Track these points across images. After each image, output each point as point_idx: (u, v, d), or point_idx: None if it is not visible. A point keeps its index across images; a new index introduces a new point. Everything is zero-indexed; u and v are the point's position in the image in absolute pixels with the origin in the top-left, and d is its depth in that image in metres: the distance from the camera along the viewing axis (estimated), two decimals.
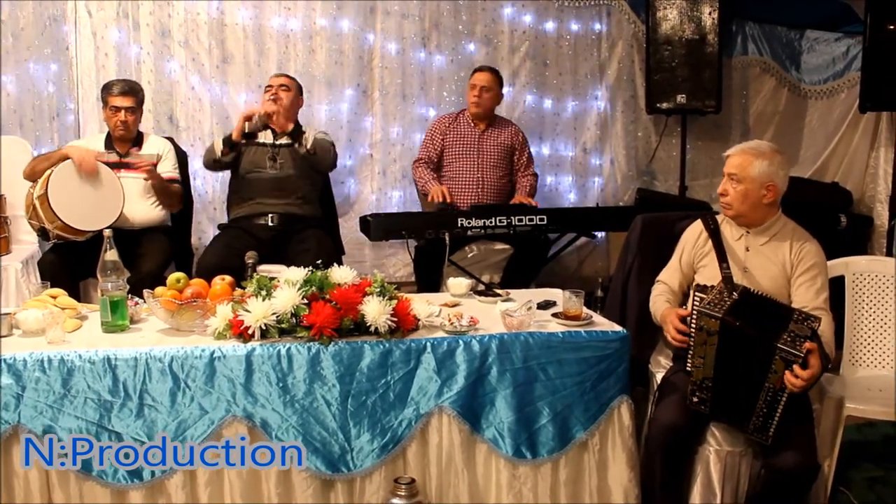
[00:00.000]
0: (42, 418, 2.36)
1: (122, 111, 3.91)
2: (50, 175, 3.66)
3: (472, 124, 4.72)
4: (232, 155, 4.10)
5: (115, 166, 3.87)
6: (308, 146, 4.05)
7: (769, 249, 2.84)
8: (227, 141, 4.07)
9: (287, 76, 4.31)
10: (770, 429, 2.51)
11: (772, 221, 2.86)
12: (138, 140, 4.04)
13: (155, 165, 3.99)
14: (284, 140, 4.13)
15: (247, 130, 4.10)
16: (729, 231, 2.92)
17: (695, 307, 2.59)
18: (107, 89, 3.97)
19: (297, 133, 4.08)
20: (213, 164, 4.20)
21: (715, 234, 2.90)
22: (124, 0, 4.68)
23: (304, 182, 4.18)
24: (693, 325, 2.59)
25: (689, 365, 2.62)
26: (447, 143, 4.70)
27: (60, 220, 3.62)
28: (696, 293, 2.67)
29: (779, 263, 2.82)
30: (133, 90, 3.97)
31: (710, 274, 2.84)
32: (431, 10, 5.10)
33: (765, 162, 2.77)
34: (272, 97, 4.09)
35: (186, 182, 4.35)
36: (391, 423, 2.51)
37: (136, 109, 3.98)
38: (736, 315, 2.52)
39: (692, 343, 2.60)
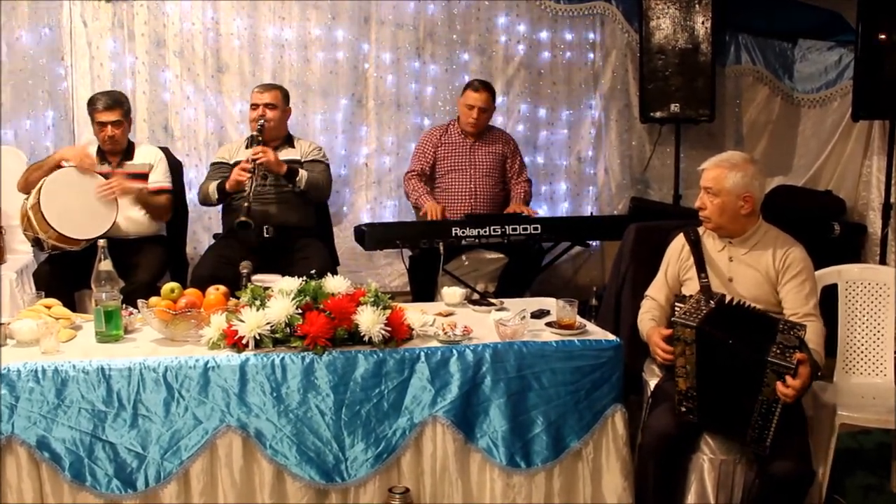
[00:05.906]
0: (36, 429, 2.36)
1: (109, 126, 3.87)
2: (42, 185, 3.66)
3: (463, 135, 4.69)
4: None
5: (108, 177, 3.84)
6: (302, 186, 4.04)
7: (752, 259, 2.85)
8: (221, 189, 4.03)
9: (271, 89, 4.19)
10: (767, 439, 2.51)
11: (752, 231, 2.87)
12: (129, 150, 4.03)
13: (146, 175, 3.98)
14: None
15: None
16: (711, 243, 2.93)
17: (672, 317, 2.60)
18: (91, 104, 3.91)
19: (291, 174, 4.02)
20: (206, 203, 4.21)
21: (696, 245, 2.92)
22: (119, 9, 4.70)
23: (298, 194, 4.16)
24: (673, 336, 2.60)
25: (675, 375, 2.63)
26: (439, 156, 4.67)
27: (53, 229, 3.61)
28: (676, 304, 2.68)
29: (763, 272, 2.82)
30: (118, 102, 3.91)
31: (694, 286, 2.85)
32: (426, 20, 5.12)
33: (739, 174, 2.78)
34: (260, 120, 4.05)
35: (182, 191, 4.35)
36: (385, 432, 2.51)
37: (123, 122, 3.92)
38: (713, 324, 2.51)
39: (675, 354, 2.61)
